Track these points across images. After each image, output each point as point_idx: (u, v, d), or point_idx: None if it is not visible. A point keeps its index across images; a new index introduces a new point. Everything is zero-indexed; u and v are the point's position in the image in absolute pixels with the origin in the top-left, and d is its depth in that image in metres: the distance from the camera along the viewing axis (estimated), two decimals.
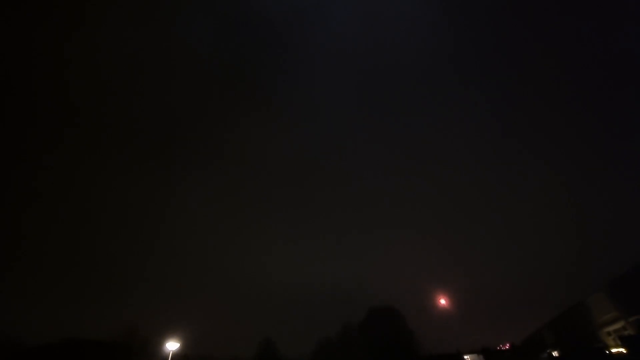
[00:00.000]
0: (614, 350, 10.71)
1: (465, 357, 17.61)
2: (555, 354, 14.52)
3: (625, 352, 9.83)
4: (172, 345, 13.93)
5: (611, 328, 11.50)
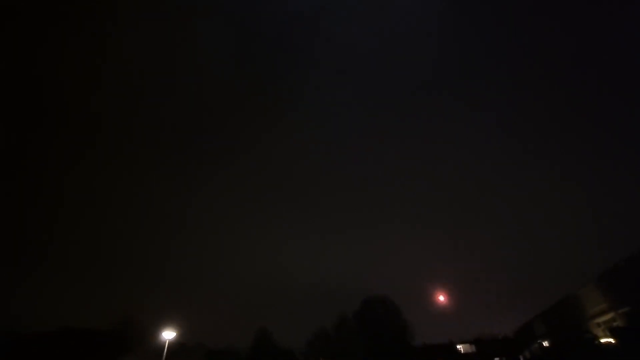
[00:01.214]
0: (603, 340, 10.92)
1: (458, 346, 17.94)
2: (545, 344, 14.81)
3: (614, 342, 10.03)
4: (168, 335, 14.06)
5: (601, 319, 11.67)
